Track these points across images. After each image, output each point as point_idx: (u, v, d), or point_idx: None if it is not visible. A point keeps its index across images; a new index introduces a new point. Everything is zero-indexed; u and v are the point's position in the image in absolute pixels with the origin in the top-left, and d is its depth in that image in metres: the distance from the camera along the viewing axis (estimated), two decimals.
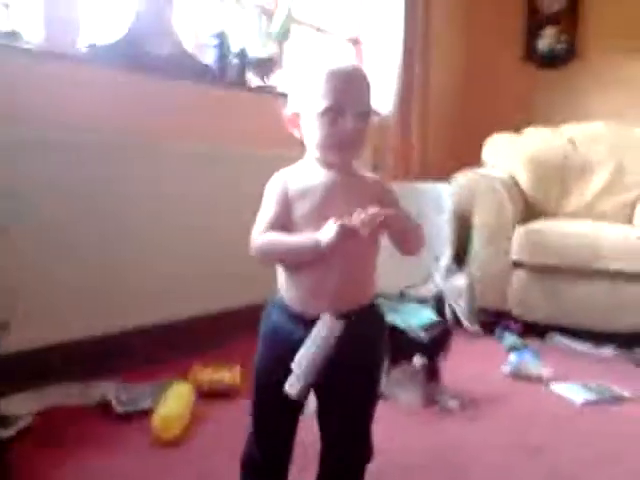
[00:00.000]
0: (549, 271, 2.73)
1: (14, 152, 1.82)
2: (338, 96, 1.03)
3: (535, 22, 4.05)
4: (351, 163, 1.11)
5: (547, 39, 4.02)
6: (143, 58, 2.22)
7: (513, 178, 3.22)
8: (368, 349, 1.11)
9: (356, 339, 1.05)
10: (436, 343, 2.03)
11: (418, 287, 3.08)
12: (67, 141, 1.94)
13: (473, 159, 3.31)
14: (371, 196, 1.07)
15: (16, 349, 1.77)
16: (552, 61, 4.00)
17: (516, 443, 1.74)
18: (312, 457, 1.16)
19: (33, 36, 1.97)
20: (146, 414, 1.73)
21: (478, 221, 2.92)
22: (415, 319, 2.72)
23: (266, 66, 2.78)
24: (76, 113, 1.99)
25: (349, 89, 1.05)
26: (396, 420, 1.86)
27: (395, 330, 2.04)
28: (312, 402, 1.12)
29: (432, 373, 2.00)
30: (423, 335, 2.04)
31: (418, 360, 1.98)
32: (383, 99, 3.46)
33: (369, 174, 1.14)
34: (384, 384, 1.99)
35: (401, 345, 2.01)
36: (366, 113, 1.06)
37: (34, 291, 1.90)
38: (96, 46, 2.11)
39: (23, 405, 1.76)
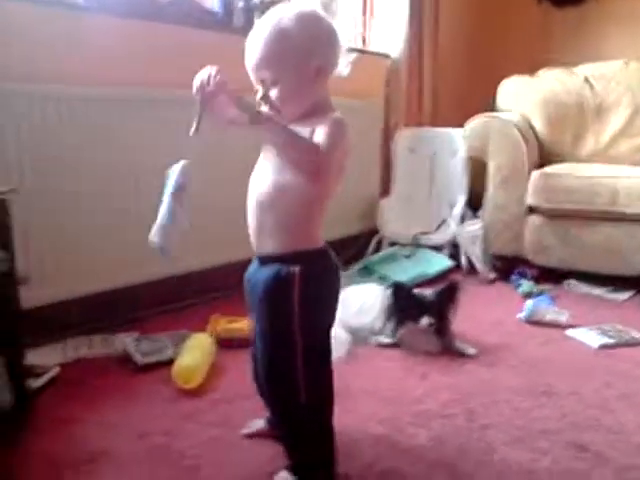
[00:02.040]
0: (565, 216, 2.70)
1: (10, 103, 1.79)
2: (247, 64, 1.13)
3: None
4: (291, 116, 1.15)
5: None
6: (144, 4, 2.18)
7: (528, 121, 3.16)
8: (261, 292, 1.17)
9: (254, 280, 1.20)
10: (444, 299, 2.00)
11: (432, 233, 3.07)
12: (69, 94, 1.92)
13: (486, 104, 3.24)
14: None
15: (37, 303, 1.79)
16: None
17: (533, 387, 1.76)
18: None
19: None
20: (167, 365, 1.76)
21: (492, 165, 2.89)
22: (430, 266, 2.74)
23: None
24: (77, 64, 1.96)
25: (249, 56, 1.13)
26: (414, 368, 1.89)
27: (400, 289, 2.03)
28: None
29: (442, 329, 1.99)
30: (429, 294, 2.03)
31: (425, 321, 1.96)
32: (393, 42, 3.38)
33: (321, 123, 1.12)
34: (393, 337, 2.01)
35: (408, 304, 2.00)
36: (274, 79, 1.11)
37: (51, 247, 1.91)
38: None
39: (49, 357, 1.81)
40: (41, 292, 1.84)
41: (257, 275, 1.20)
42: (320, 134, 1.09)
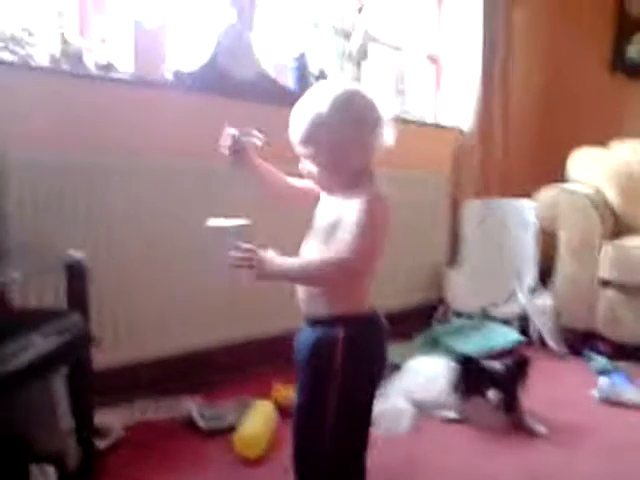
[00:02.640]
0: (639, 290, 2.60)
1: (108, 178, 1.92)
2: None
3: (624, 27, 3.84)
4: (329, 186, 1.21)
5: (637, 45, 3.84)
6: (226, 82, 2.29)
7: (600, 193, 3.09)
8: (305, 355, 1.19)
9: (300, 343, 1.21)
10: (513, 373, 1.95)
11: (501, 306, 3.01)
12: (158, 167, 2.03)
13: (556, 175, 3.20)
14: (338, 214, 1.16)
15: (107, 365, 1.84)
16: None
17: (608, 475, 1.66)
18: None
19: (125, 66, 2.07)
20: (229, 431, 1.76)
21: (563, 237, 2.82)
22: (499, 340, 2.66)
23: None
24: (165, 138, 2.07)
25: (292, 136, 1.20)
26: (482, 445, 1.82)
27: (469, 361, 1.98)
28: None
29: (510, 405, 1.92)
30: (499, 367, 1.97)
31: (493, 394, 1.90)
32: (463, 116, 3.42)
33: (357, 196, 1.14)
34: (459, 412, 1.95)
35: (476, 377, 1.95)
36: (310, 156, 1.18)
37: (123, 310, 1.98)
38: (181, 73, 2.19)
39: (116, 418, 1.84)
40: (112, 354, 1.89)
41: (302, 337, 1.21)
42: (346, 231, 1.12)
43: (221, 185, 2.15)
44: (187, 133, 2.13)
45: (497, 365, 1.99)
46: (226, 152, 1.28)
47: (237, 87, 2.32)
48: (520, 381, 1.94)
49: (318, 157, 1.18)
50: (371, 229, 1.12)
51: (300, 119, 1.19)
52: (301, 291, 1.22)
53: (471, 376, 1.95)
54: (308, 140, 1.17)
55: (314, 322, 1.21)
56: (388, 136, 1.21)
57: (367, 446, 1.23)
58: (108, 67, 2.02)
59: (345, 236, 1.12)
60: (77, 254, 1.56)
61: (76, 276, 1.52)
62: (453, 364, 2.05)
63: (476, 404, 1.93)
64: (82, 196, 1.88)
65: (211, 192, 2.13)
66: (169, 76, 2.17)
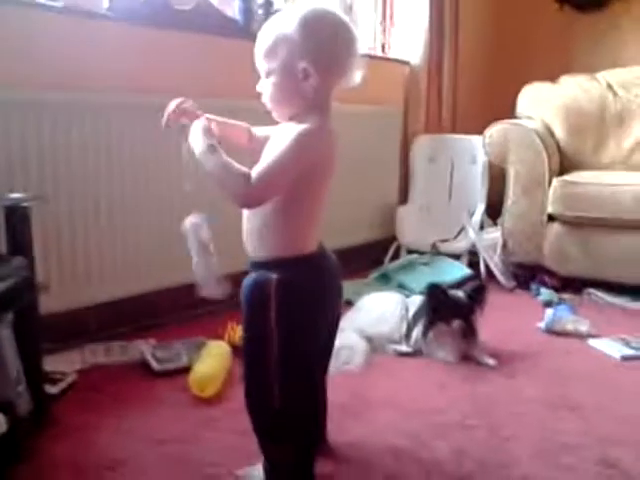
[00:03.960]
0: (585, 224, 2.67)
1: (35, 112, 1.81)
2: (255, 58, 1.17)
3: None
4: (282, 116, 1.18)
5: None
6: (166, 12, 2.18)
7: (549, 129, 3.13)
8: (243, 298, 1.19)
9: (243, 286, 1.19)
10: (472, 301, 2.01)
11: (450, 241, 3.05)
12: (89, 102, 1.93)
13: (506, 112, 3.20)
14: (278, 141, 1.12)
15: (55, 310, 1.80)
16: (590, 3, 3.76)
17: (555, 399, 1.72)
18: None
19: None
20: (183, 372, 1.76)
21: (512, 173, 2.85)
22: (448, 275, 2.71)
23: None
24: (100, 72, 1.97)
25: (256, 51, 1.16)
26: (433, 377, 1.86)
27: (436, 290, 2.01)
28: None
29: (469, 331, 1.98)
30: (462, 295, 2.02)
31: (456, 323, 1.95)
32: (413, 49, 3.36)
33: (299, 125, 1.10)
34: (421, 343, 1.99)
35: (441, 305, 1.99)
36: (268, 71, 1.14)
37: (68, 255, 1.93)
38: (118, 2, 2.06)
39: (67, 363, 1.81)
40: (59, 299, 1.84)
41: (245, 280, 1.20)
42: (267, 157, 1.08)
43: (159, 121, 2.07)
44: (125, 67, 2.03)
45: (460, 293, 2.03)
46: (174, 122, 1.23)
47: (178, 17, 2.21)
48: (479, 308, 2.00)
49: (275, 75, 1.13)
50: (292, 161, 1.07)
51: (266, 33, 1.14)
52: (244, 235, 1.21)
53: (438, 304, 1.99)
54: (267, 53, 1.13)
55: (253, 265, 1.20)
56: (357, 75, 1.17)
57: (316, 384, 1.25)
58: None
59: (265, 160, 1.07)
60: (17, 195, 1.48)
61: (18, 219, 1.45)
62: (406, 298, 2.08)
63: (440, 330, 1.98)
64: (18, 135, 1.77)
65: (149, 128, 2.03)
66: (105, 6, 2.04)
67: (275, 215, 1.13)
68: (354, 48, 1.15)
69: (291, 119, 1.15)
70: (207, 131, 1.13)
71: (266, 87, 1.16)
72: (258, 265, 1.18)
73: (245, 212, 1.20)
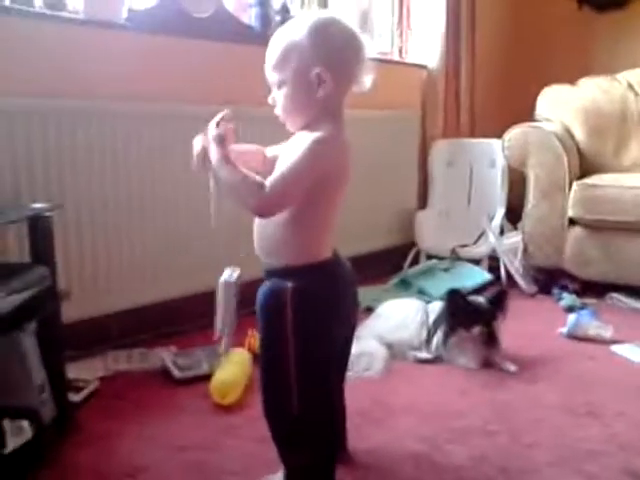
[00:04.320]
0: (606, 227, 2.64)
1: (56, 120, 1.83)
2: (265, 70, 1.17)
3: None
4: (296, 125, 1.18)
5: None
6: (183, 20, 2.20)
7: (568, 131, 3.10)
8: (258, 307, 1.19)
9: (258, 295, 1.19)
10: (493, 306, 1.99)
11: (470, 246, 3.03)
12: (110, 110, 1.95)
13: (525, 115, 3.18)
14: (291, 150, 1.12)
15: (77, 318, 1.82)
16: (609, 2, 3.70)
17: (578, 405, 1.71)
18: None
19: (76, 5, 1.96)
20: (204, 379, 1.76)
21: (532, 177, 2.84)
22: (469, 280, 2.69)
23: None
24: (119, 81, 1.99)
25: (266, 62, 1.16)
26: (453, 384, 1.86)
27: (456, 296, 2.00)
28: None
29: (490, 337, 1.96)
30: (482, 300, 2.01)
31: (477, 330, 1.94)
32: (430, 52, 3.35)
33: (313, 133, 1.10)
34: (442, 350, 1.99)
35: (461, 311, 1.98)
36: (280, 82, 1.14)
37: (90, 262, 1.95)
38: (135, 12, 2.09)
39: (90, 371, 1.83)
40: (80, 307, 1.86)
41: (260, 289, 1.20)
42: (281, 166, 1.08)
43: (180, 129, 2.09)
44: (143, 75, 2.05)
45: (480, 299, 2.02)
46: (202, 165, 1.18)
47: (195, 25, 2.23)
48: (501, 314, 1.99)
49: (287, 85, 1.13)
50: (306, 170, 1.08)
51: (275, 44, 1.15)
52: (257, 243, 1.21)
53: (458, 310, 1.98)
54: (278, 64, 1.14)
55: (268, 273, 1.20)
56: (367, 80, 1.17)
57: (334, 392, 1.25)
58: (57, 5, 1.91)
59: (279, 169, 1.08)
60: (40, 206, 1.51)
61: (40, 229, 1.47)
62: (426, 304, 2.08)
63: (458, 340, 1.96)
64: (40, 144, 1.80)
65: (170, 136, 2.07)
66: (123, 16, 2.06)
67: (289, 223, 1.14)
68: (362, 54, 1.16)
69: (304, 128, 1.16)
70: (222, 141, 1.13)
71: (278, 98, 1.17)
72: (273, 273, 1.19)
73: (255, 222, 1.21)
